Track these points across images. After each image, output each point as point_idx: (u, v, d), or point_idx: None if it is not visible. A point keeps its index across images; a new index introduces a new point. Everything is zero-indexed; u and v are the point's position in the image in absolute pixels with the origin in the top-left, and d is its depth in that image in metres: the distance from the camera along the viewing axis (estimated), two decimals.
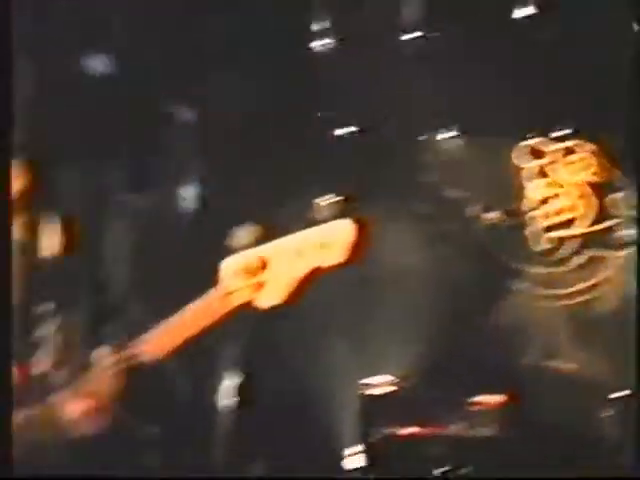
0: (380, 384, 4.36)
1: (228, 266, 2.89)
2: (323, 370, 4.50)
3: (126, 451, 3.35)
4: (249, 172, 4.63)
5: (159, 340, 3.02)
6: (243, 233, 2.90)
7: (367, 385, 4.37)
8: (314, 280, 2.81)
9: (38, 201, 3.39)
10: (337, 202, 2.78)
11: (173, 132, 4.58)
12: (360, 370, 4.45)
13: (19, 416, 3.01)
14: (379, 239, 4.27)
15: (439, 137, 4.65)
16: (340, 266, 2.76)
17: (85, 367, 3.16)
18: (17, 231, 3.32)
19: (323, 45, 4.66)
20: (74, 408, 3.12)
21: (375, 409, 4.31)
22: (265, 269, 2.84)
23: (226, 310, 2.92)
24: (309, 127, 4.68)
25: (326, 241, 2.76)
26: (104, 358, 3.11)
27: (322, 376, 4.49)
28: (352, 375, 4.45)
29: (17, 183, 3.34)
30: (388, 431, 4.24)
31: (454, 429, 4.22)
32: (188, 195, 4.63)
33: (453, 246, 4.53)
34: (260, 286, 2.85)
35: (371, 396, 4.34)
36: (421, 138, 4.66)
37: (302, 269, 2.81)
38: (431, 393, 4.28)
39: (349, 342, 4.52)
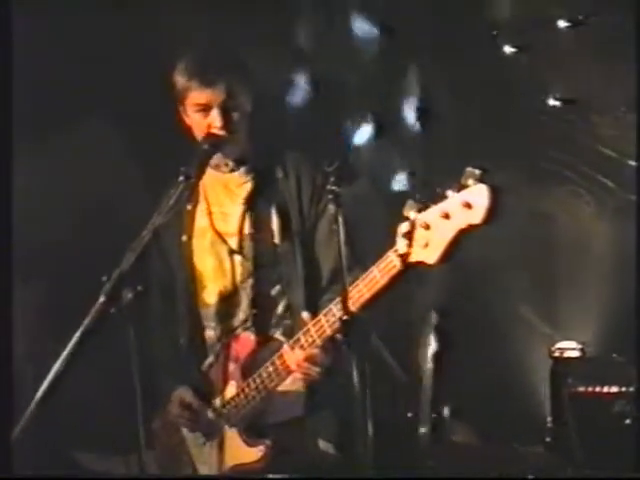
0: (569, 348, 4.63)
1: (400, 230, 3.41)
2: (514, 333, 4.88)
3: None
4: None
5: (353, 297, 3.56)
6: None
7: (559, 349, 4.63)
8: (460, 241, 3.25)
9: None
10: (481, 170, 3.16)
11: None
12: (547, 336, 4.80)
13: None
14: (568, 210, 4.61)
15: None
16: (478, 227, 3.18)
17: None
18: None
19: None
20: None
21: (564, 371, 4.58)
22: (429, 230, 3.34)
23: (402, 267, 3.44)
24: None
25: (469, 203, 3.20)
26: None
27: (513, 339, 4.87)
28: (540, 340, 4.80)
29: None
30: (575, 390, 4.51)
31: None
32: None
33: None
34: (426, 246, 3.35)
35: (561, 359, 4.61)
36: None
37: (451, 230, 3.27)
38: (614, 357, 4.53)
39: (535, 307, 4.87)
